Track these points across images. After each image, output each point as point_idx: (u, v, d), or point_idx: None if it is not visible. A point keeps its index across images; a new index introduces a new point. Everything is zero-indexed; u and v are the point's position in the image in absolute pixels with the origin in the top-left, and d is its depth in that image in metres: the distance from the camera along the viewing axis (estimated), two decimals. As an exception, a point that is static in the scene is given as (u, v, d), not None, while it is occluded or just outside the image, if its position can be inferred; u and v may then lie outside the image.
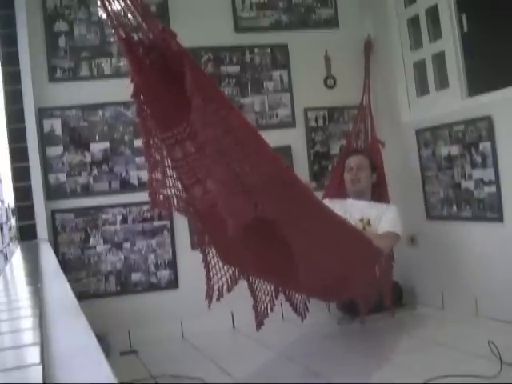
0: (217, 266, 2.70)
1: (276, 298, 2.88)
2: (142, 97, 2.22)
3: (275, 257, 2.45)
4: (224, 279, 2.71)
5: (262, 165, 2.20)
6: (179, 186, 2.40)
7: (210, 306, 2.69)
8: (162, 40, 2.08)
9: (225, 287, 2.72)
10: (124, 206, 3.60)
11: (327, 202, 3.43)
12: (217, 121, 2.11)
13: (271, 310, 2.85)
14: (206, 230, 2.58)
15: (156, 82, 2.19)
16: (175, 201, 2.41)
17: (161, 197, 2.36)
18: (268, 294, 2.87)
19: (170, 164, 2.36)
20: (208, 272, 2.67)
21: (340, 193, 3.58)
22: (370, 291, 3.04)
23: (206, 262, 2.66)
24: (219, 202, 2.12)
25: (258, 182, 2.14)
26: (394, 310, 3.32)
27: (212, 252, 2.66)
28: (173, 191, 2.39)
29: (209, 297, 2.69)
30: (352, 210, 3.36)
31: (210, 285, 2.68)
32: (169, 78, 2.18)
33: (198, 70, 2.19)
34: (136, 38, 2.15)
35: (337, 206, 3.32)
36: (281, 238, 2.30)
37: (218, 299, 2.71)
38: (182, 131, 2.22)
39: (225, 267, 2.71)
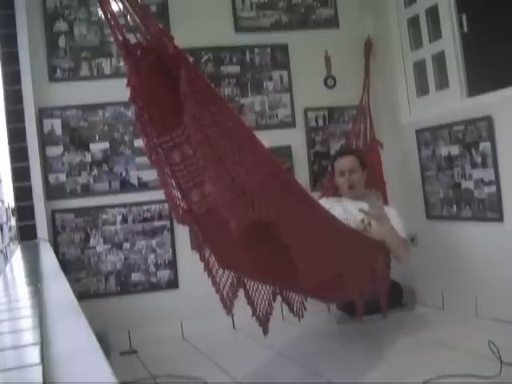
0: (218, 273, 2.68)
1: (274, 301, 2.88)
2: (139, 101, 2.21)
3: (273, 258, 2.44)
4: (229, 281, 2.70)
5: (258, 167, 2.19)
6: (177, 194, 2.38)
7: (231, 307, 2.69)
8: (160, 41, 2.08)
9: (231, 288, 2.71)
10: (124, 205, 3.60)
11: (324, 200, 3.43)
12: (212, 124, 2.10)
13: (271, 314, 2.84)
14: (204, 236, 2.55)
15: (154, 84, 2.19)
16: (175, 209, 2.40)
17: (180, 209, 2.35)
18: (266, 300, 2.86)
19: (167, 171, 2.34)
20: (213, 278, 2.65)
21: (336, 193, 3.57)
22: (367, 290, 3.03)
23: (208, 268, 2.63)
24: (220, 204, 2.11)
25: (254, 184, 2.13)
26: (386, 311, 3.30)
27: (212, 259, 2.63)
28: (173, 199, 2.38)
29: (227, 308, 2.68)
30: (352, 210, 3.35)
31: (219, 289, 2.66)
32: (167, 80, 2.17)
33: (195, 72, 2.17)
34: (134, 40, 2.15)
35: (336, 205, 3.32)
36: (278, 240, 2.30)
37: (234, 299, 2.70)
38: (180, 134, 2.22)
39: (224, 275, 2.69)
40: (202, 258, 2.59)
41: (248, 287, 2.77)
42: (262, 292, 2.85)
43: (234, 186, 2.11)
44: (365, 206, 3.39)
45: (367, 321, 3.17)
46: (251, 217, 2.11)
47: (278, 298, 2.94)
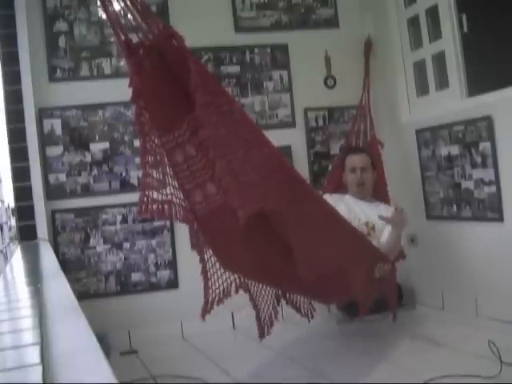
0: (217, 274, 2.66)
1: (278, 305, 2.87)
2: (141, 101, 2.21)
3: (275, 258, 2.44)
4: (225, 285, 2.68)
5: (265, 161, 2.20)
6: (179, 194, 2.38)
7: (209, 311, 2.67)
8: (164, 38, 2.08)
9: (224, 292, 2.69)
10: (124, 206, 3.60)
11: (327, 197, 3.41)
12: (219, 117, 2.11)
13: (275, 317, 2.83)
14: (206, 237, 2.55)
15: (156, 83, 2.19)
16: (175, 209, 2.40)
17: (154, 206, 2.33)
18: (270, 303, 2.85)
19: (169, 171, 2.33)
20: (206, 280, 2.64)
21: (339, 190, 3.56)
22: (368, 291, 3.02)
23: (205, 270, 2.63)
24: (228, 192, 2.10)
25: (259, 177, 2.14)
26: (396, 312, 3.30)
27: (212, 260, 2.62)
28: (174, 199, 2.37)
29: (207, 303, 2.67)
30: (356, 210, 3.32)
31: (209, 292, 2.65)
32: (169, 79, 2.18)
33: (201, 66, 2.19)
34: (136, 39, 2.15)
35: (339, 203, 3.30)
36: (279, 236, 2.29)
37: (218, 305, 2.69)
38: (183, 134, 2.22)
39: (224, 276, 2.67)
40: (202, 260, 2.59)
41: (252, 290, 2.77)
42: (266, 296, 2.84)
43: (239, 180, 2.11)
44: (371, 207, 3.35)
45: (367, 321, 3.17)
46: (259, 206, 2.10)
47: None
